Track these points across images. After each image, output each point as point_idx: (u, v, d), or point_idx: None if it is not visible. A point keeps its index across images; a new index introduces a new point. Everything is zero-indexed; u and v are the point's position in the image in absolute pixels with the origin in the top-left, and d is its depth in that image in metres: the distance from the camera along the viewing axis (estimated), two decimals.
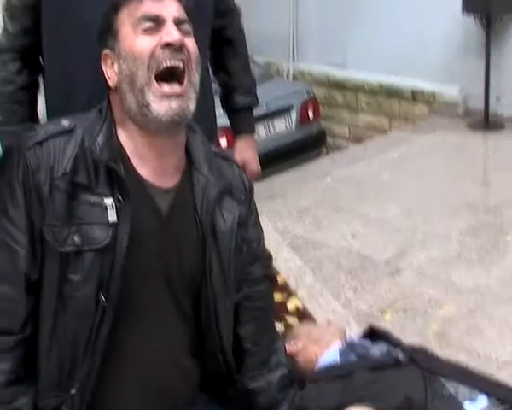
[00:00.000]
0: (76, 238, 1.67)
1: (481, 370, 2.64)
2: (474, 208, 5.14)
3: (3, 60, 2.33)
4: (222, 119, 2.71)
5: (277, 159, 6.93)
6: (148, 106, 1.69)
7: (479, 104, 7.20)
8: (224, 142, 5.27)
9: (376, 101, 8.47)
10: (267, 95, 6.24)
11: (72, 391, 1.72)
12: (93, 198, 1.69)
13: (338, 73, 8.86)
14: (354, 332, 3.34)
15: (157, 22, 1.72)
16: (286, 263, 4.12)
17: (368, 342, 2.63)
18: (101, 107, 1.81)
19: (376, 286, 4.08)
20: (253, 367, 1.99)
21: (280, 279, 4.06)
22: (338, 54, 8.85)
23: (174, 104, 1.69)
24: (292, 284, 4.03)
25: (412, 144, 6.84)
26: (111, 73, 1.78)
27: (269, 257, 2.08)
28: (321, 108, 8.28)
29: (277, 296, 3.73)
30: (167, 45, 1.70)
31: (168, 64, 1.70)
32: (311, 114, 7.77)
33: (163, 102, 1.69)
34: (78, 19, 2.13)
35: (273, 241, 4.38)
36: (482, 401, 2.27)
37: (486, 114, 7.12)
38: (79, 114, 1.83)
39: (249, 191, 1.99)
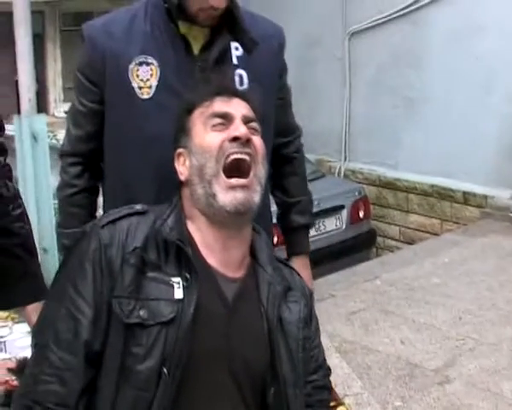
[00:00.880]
0: (142, 312, 1.70)
1: None
2: None
3: (65, 163, 2.37)
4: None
5: (327, 258, 6.93)
6: (214, 196, 1.75)
7: None
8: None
9: (427, 202, 8.47)
10: (319, 193, 6.27)
11: None
12: (161, 276, 1.74)
13: (389, 173, 8.91)
14: None
15: (226, 119, 1.80)
16: (334, 369, 4.08)
17: None
18: (171, 200, 1.88)
19: (425, 395, 4.04)
20: None
21: None
22: (390, 154, 8.93)
23: (239, 195, 1.75)
24: (339, 391, 3.99)
25: (463, 248, 6.82)
26: (183, 169, 1.85)
27: (329, 368, 2.07)
28: (371, 207, 8.31)
29: None
30: (234, 139, 1.77)
31: (235, 157, 1.77)
32: (361, 214, 7.79)
33: (229, 193, 1.75)
34: (140, 133, 2.18)
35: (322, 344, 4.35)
36: None
37: None
38: (152, 205, 1.90)
39: (310, 297, 2.00)
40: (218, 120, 1.80)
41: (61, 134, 8.41)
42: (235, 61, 2.23)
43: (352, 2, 9.13)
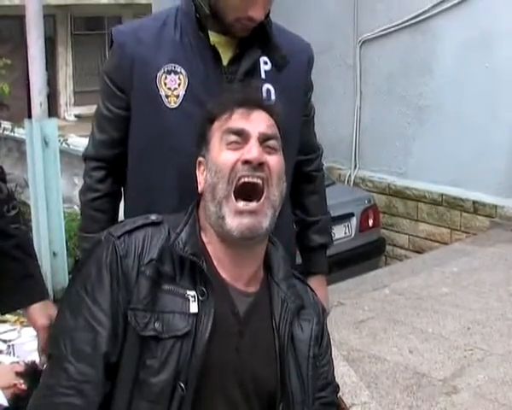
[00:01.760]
0: (157, 325, 1.70)
1: None
2: None
3: (89, 167, 2.36)
4: None
5: (336, 266, 6.91)
6: (223, 218, 1.76)
7: None
8: None
9: (437, 211, 8.46)
10: (328, 200, 6.25)
11: None
12: (176, 289, 1.74)
13: (399, 182, 8.90)
14: None
15: (242, 137, 1.78)
16: (341, 378, 4.09)
17: None
18: (188, 208, 1.88)
19: (432, 405, 4.02)
20: None
21: None
22: (399, 162, 8.92)
23: (245, 220, 1.74)
24: (347, 400, 3.99)
25: (473, 258, 6.80)
26: (201, 179, 1.86)
27: (337, 386, 2.06)
28: (381, 216, 8.30)
29: None
30: (247, 162, 1.76)
31: (246, 180, 1.76)
32: (371, 222, 7.78)
33: (236, 218, 1.74)
34: (164, 141, 2.18)
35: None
36: None
37: None
38: (167, 214, 1.90)
39: (322, 315, 2.00)
40: (234, 138, 1.78)
41: (72, 138, 8.45)
42: (263, 75, 2.21)
43: (364, 11, 9.13)
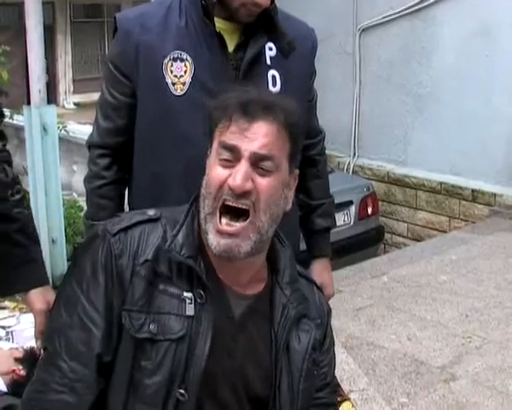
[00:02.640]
0: (152, 327, 1.68)
1: None
2: None
3: (94, 154, 2.35)
4: None
5: (334, 253, 6.90)
6: (207, 233, 1.70)
7: None
8: None
9: (436, 199, 8.46)
10: None
11: None
12: (172, 290, 1.71)
13: (398, 170, 8.90)
14: None
15: (234, 154, 1.67)
16: (340, 365, 4.09)
17: None
18: (187, 204, 1.81)
19: (430, 392, 4.03)
20: None
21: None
22: (398, 150, 8.93)
23: (223, 241, 1.67)
24: (345, 387, 4.00)
25: (471, 246, 6.81)
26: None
27: (337, 385, 2.05)
28: (380, 204, 8.31)
29: None
30: (230, 188, 1.66)
31: (231, 204, 1.67)
32: (370, 210, 7.78)
33: (216, 237, 1.68)
34: (171, 128, 2.17)
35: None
36: None
37: None
38: (171, 207, 1.86)
39: (327, 315, 1.95)
40: (226, 154, 1.67)
41: (71, 125, 8.44)
42: (268, 61, 2.20)
43: None
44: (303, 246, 2.61)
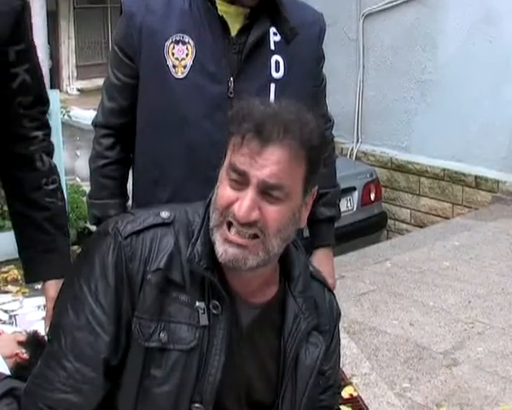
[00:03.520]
0: (162, 335, 1.64)
1: None
2: None
3: (98, 134, 2.36)
4: None
5: (337, 239, 6.89)
6: (214, 243, 1.64)
7: None
8: None
9: (439, 185, 8.46)
10: None
11: None
12: (185, 298, 1.66)
13: (401, 156, 8.89)
14: None
15: (243, 178, 1.57)
16: (342, 349, 4.09)
17: None
18: (208, 201, 1.72)
19: (433, 377, 4.05)
20: None
21: None
22: (402, 136, 8.91)
23: (231, 251, 1.60)
24: (347, 371, 4.01)
25: (474, 232, 6.81)
26: None
27: (340, 385, 2.04)
28: (383, 190, 8.30)
29: None
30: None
31: (238, 229, 1.60)
32: (373, 196, 7.77)
33: (223, 245, 1.61)
34: (171, 112, 2.16)
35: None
36: None
37: None
38: (184, 205, 1.78)
39: (335, 319, 1.90)
40: (235, 177, 1.58)
41: (74, 110, 8.41)
42: (272, 46, 2.18)
43: None
44: (306, 233, 2.59)
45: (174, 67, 2.13)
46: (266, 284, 1.76)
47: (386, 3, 8.93)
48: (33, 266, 2.19)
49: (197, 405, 1.67)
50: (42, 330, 2.30)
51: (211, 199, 1.69)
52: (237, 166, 1.57)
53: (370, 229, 7.71)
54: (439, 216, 8.38)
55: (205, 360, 1.66)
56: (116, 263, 1.66)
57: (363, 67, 9.30)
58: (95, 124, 2.38)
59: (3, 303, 4.33)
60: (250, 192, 1.56)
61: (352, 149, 9.37)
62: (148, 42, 2.15)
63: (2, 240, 5.07)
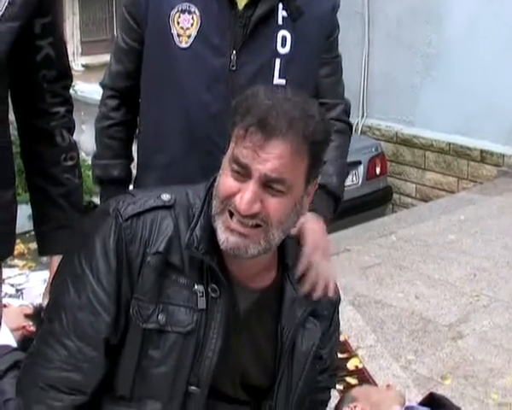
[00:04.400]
0: (160, 317, 1.66)
1: None
2: None
3: (105, 95, 2.37)
4: None
5: (343, 213, 6.88)
6: (216, 229, 1.65)
7: None
8: None
9: (444, 160, 8.44)
10: None
11: None
12: (184, 281, 1.67)
13: (406, 130, 8.87)
14: (413, 396, 3.33)
15: (246, 171, 1.58)
16: (348, 321, 4.12)
17: None
18: (209, 185, 1.73)
19: (438, 350, 4.06)
20: None
21: (341, 338, 4.06)
22: (407, 110, 8.88)
23: (232, 239, 1.61)
24: (353, 343, 4.03)
25: (479, 206, 6.80)
26: None
27: (337, 368, 2.04)
28: (388, 164, 8.29)
29: None
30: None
31: (240, 219, 1.60)
32: (378, 170, 7.78)
33: (225, 233, 1.62)
34: (173, 80, 2.16)
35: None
36: None
37: None
38: (185, 186, 1.78)
39: (334, 305, 1.92)
40: (237, 169, 1.59)
41: (79, 86, 8.37)
42: (280, 21, 2.14)
43: None
44: None
45: (179, 36, 2.12)
46: (265, 270, 1.77)
47: None
48: (45, 240, 2.20)
49: (193, 387, 1.69)
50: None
51: (212, 183, 1.70)
52: (240, 159, 1.58)
53: (376, 203, 7.72)
54: (444, 190, 8.37)
55: (202, 343, 1.68)
56: (117, 245, 1.67)
57: (369, 40, 9.25)
58: (102, 85, 2.39)
59: (10, 277, 4.34)
60: (252, 185, 1.58)
61: (358, 124, 9.34)
62: (155, 9, 2.14)
63: None
